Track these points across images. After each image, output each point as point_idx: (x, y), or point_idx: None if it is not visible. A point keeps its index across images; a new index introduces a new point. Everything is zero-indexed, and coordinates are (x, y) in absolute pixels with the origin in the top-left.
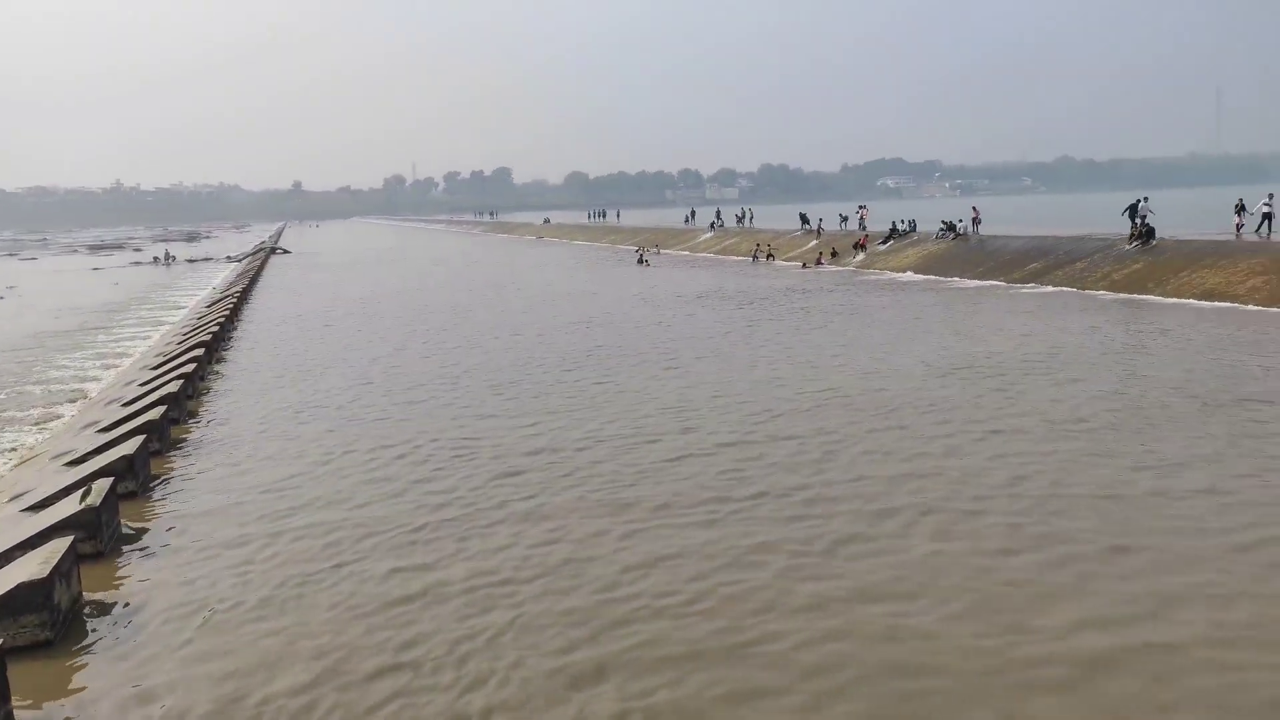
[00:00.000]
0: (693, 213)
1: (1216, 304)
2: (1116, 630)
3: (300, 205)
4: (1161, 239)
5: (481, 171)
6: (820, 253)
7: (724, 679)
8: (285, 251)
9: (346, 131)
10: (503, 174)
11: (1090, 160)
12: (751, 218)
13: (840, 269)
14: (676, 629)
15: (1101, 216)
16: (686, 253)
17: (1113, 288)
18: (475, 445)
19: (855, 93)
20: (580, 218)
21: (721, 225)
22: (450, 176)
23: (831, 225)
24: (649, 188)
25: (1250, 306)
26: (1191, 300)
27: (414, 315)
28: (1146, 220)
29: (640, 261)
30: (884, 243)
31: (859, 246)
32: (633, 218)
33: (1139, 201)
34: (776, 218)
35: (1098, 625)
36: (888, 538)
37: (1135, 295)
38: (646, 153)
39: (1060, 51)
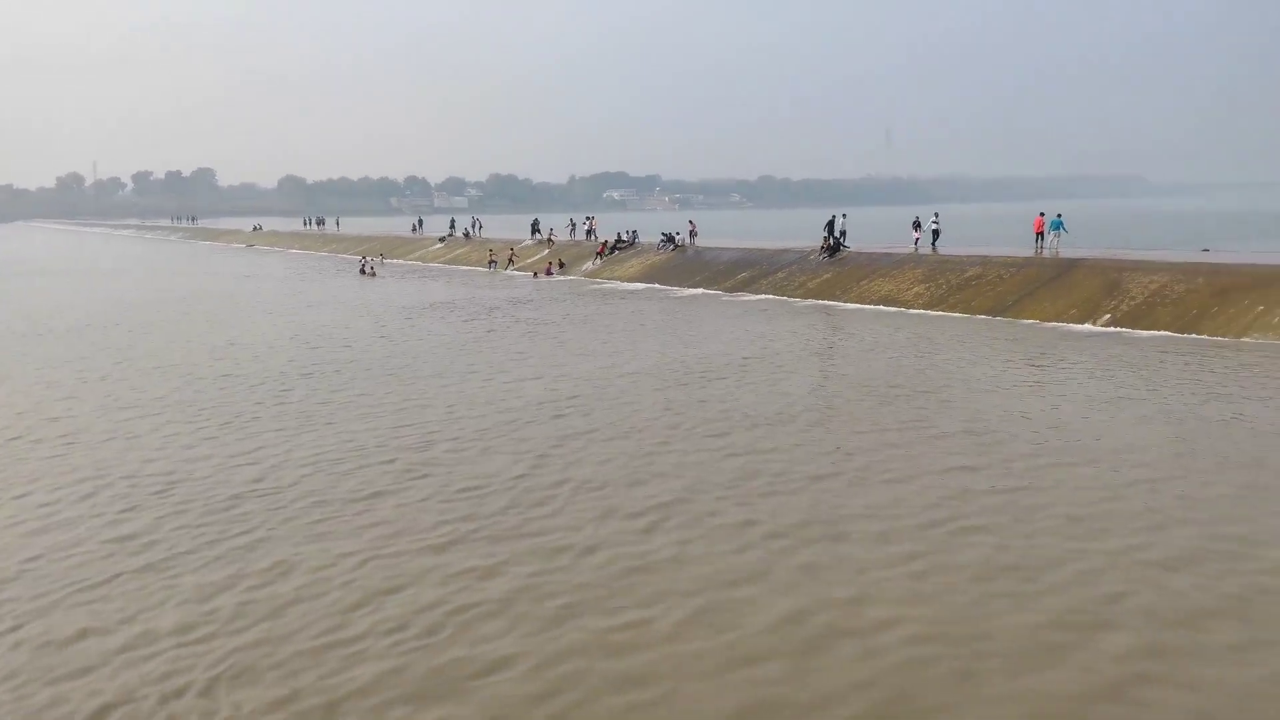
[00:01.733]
0: (420, 221)
1: (890, 308)
2: (822, 612)
3: None
4: (848, 251)
5: (179, 172)
6: (550, 262)
7: (457, 714)
8: None
9: (4, 123)
10: (205, 175)
11: (787, 179)
12: (481, 227)
13: (570, 278)
14: (410, 662)
15: (799, 230)
16: (416, 262)
17: (808, 295)
18: (179, 480)
19: (582, 107)
20: (296, 224)
21: (453, 235)
22: (141, 177)
23: (561, 235)
24: (373, 195)
25: (915, 310)
26: (871, 305)
27: (94, 333)
28: (844, 234)
29: (363, 272)
30: (610, 252)
31: (599, 254)
32: (356, 225)
33: (835, 218)
34: (508, 227)
35: (811, 610)
36: (620, 542)
37: (827, 302)
38: (370, 158)
39: (757, 83)
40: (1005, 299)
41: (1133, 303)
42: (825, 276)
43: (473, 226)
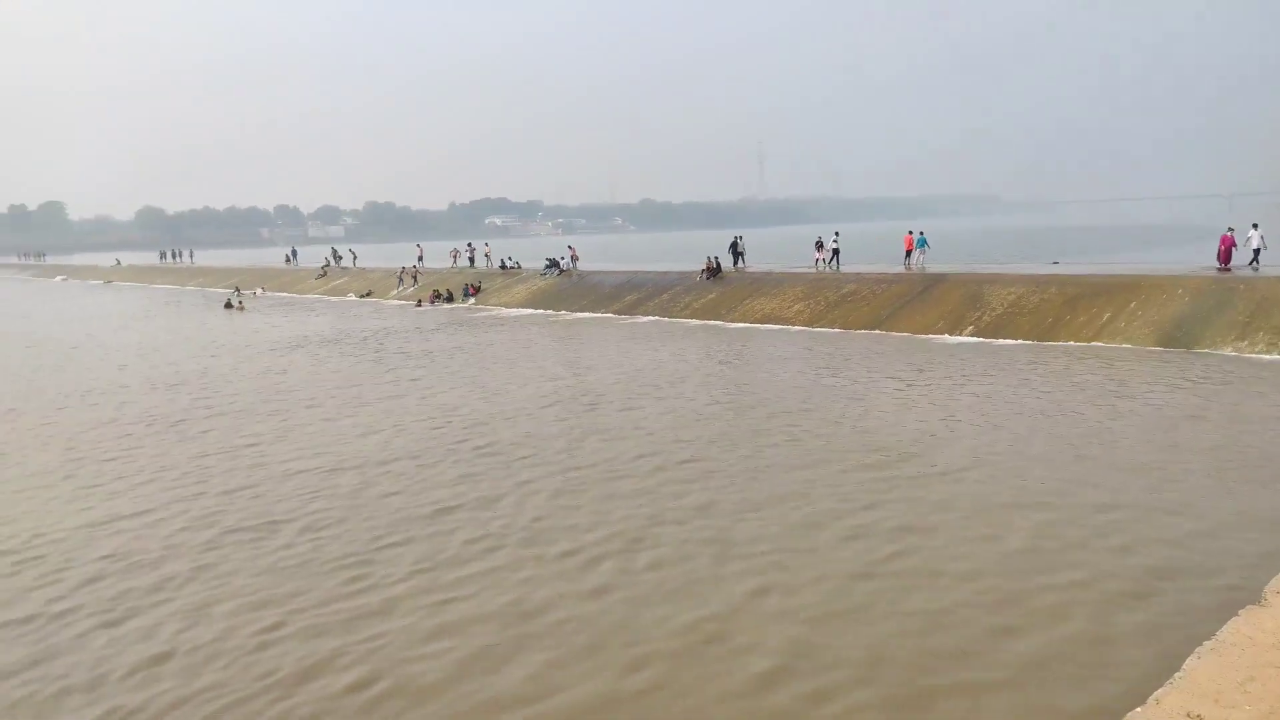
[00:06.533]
0: (294, 252)
1: (772, 326)
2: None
3: None
4: (733, 271)
5: (24, 206)
6: (437, 291)
7: None
8: None
9: None
10: (53, 209)
11: (668, 203)
12: (356, 258)
13: (454, 306)
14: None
15: (683, 252)
16: (294, 295)
17: (694, 315)
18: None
19: (462, 133)
20: (154, 258)
21: (332, 265)
22: None
23: (461, 261)
24: (241, 225)
25: (795, 327)
26: (755, 324)
27: None
28: (743, 254)
29: (229, 306)
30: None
31: (470, 291)
32: (223, 257)
33: (736, 239)
34: (393, 256)
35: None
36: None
37: (711, 321)
38: (237, 188)
39: (633, 107)
40: (880, 313)
41: (994, 314)
42: (710, 297)
43: (340, 257)
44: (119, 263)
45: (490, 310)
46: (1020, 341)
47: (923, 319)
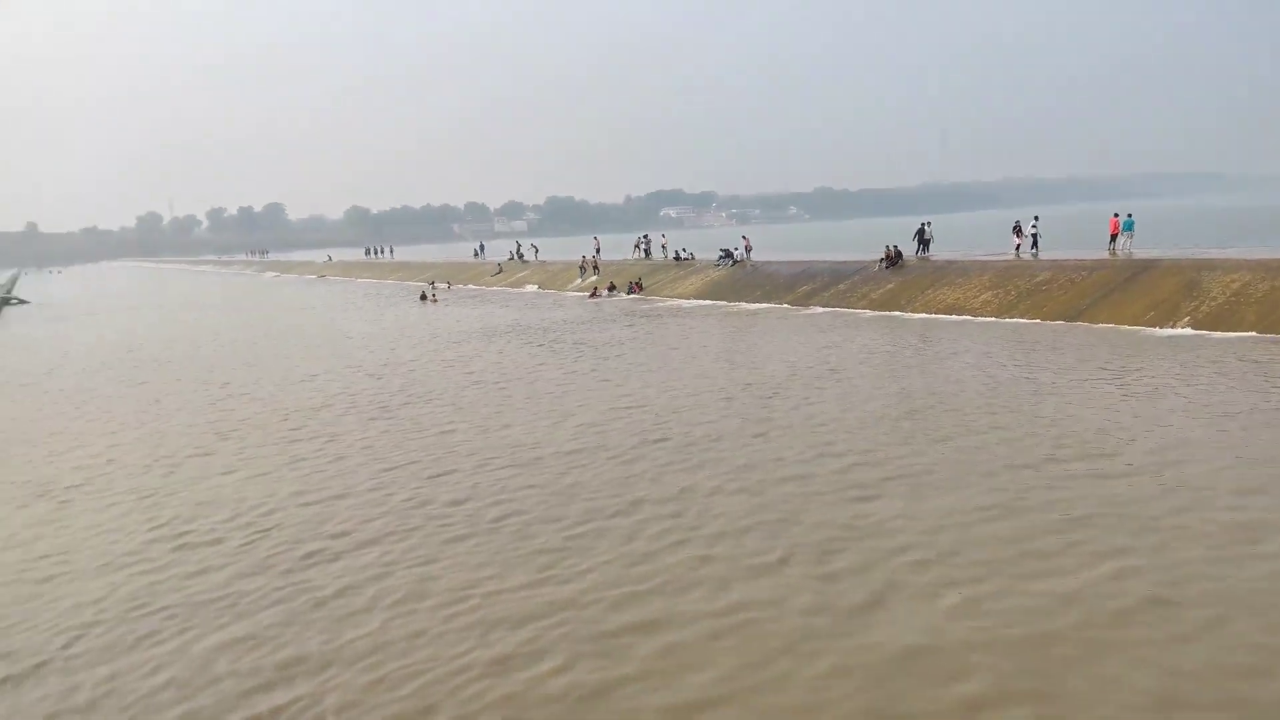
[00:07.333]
0: (481, 246)
1: (956, 317)
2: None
3: (38, 249)
4: (909, 260)
5: (251, 208)
6: (613, 282)
7: None
8: (22, 301)
9: (89, 165)
10: (275, 210)
11: (845, 190)
12: (537, 251)
13: (628, 297)
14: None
15: (860, 241)
16: (479, 288)
17: (871, 306)
18: (325, 517)
19: (637, 126)
20: (360, 254)
21: (520, 259)
22: (215, 214)
23: (621, 254)
24: (434, 222)
25: (982, 318)
26: (937, 315)
27: (184, 367)
28: (928, 242)
29: (424, 298)
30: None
31: (635, 288)
32: (419, 252)
33: (923, 226)
34: (569, 249)
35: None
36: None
37: (890, 312)
38: (431, 186)
39: (808, 93)
40: (1079, 303)
41: (1214, 303)
42: (889, 286)
43: (526, 251)
44: (329, 259)
45: (664, 301)
46: (1245, 335)
47: (1129, 309)
